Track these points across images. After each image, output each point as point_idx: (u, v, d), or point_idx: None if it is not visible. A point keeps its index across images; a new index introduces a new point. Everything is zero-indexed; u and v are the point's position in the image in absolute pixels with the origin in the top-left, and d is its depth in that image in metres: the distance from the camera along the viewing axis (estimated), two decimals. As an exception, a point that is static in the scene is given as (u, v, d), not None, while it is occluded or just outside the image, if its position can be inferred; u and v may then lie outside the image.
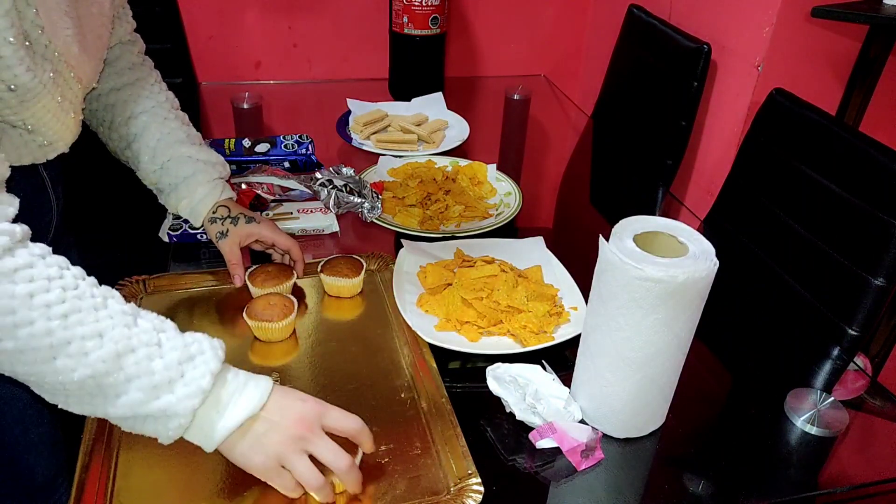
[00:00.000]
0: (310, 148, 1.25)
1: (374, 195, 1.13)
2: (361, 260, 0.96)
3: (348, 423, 0.65)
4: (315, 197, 1.13)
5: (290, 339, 0.87)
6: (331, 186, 1.12)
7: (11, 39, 0.62)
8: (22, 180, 0.78)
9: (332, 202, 1.11)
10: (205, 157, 0.95)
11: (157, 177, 0.93)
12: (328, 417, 0.64)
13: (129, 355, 0.57)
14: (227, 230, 0.93)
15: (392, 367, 0.83)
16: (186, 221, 1.04)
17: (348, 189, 1.12)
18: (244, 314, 0.85)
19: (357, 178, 1.17)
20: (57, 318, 0.54)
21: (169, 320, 0.63)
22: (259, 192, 1.12)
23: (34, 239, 0.58)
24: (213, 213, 0.94)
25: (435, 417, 0.75)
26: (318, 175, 1.14)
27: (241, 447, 0.62)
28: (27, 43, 0.64)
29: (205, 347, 0.62)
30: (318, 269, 0.94)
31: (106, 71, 0.91)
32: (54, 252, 0.59)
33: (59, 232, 0.88)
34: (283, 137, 1.26)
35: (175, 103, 0.97)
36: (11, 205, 0.58)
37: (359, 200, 1.11)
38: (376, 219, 1.11)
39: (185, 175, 0.92)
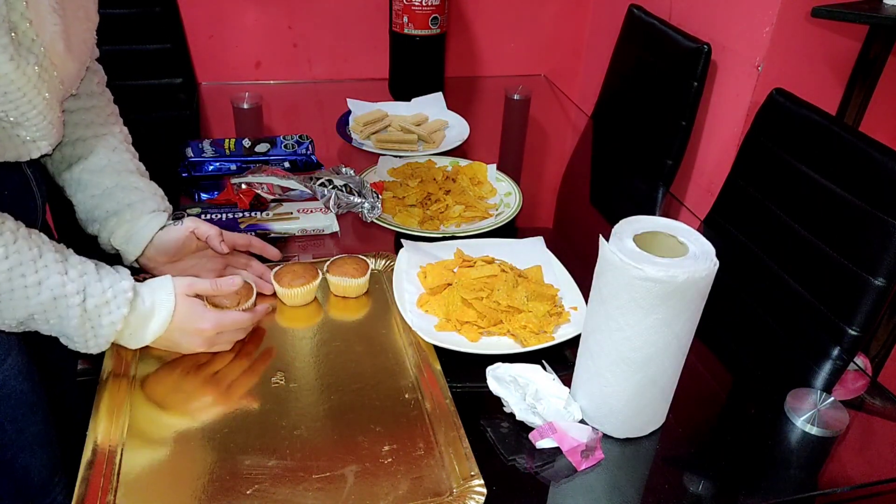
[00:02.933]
0: (310, 148, 1.25)
1: (374, 195, 1.13)
2: (367, 260, 0.96)
3: (242, 322, 0.84)
4: (315, 197, 1.13)
5: (293, 338, 0.87)
6: (331, 186, 1.12)
7: None
8: (6, 177, 0.78)
9: (332, 202, 1.11)
10: (152, 190, 0.92)
11: (96, 202, 0.89)
12: (224, 328, 0.82)
13: (62, 300, 0.69)
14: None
15: (396, 368, 0.83)
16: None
17: (348, 189, 1.12)
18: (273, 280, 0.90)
19: (357, 178, 1.17)
20: (2, 273, 0.65)
21: (89, 261, 0.73)
22: (259, 192, 1.12)
23: None
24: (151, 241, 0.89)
25: (438, 418, 0.75)
26: (318, 175, 1.14)
27: (162, 346, 0.80)
28: (13, 34, 0.65)
29: (118, 291, 0.73)
30: (324, 269, 0.94)
31: None
32: None
33: (44, 229, 0.87)
34: (283, 137, 1.26)
35: (129, 139, 0.94)
36: None
37: (359, 200, 1.11)
38: (376, 219, 1.11)
39: (129, 202, 0.88)
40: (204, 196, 1.16)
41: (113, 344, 0.77)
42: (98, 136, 0.90)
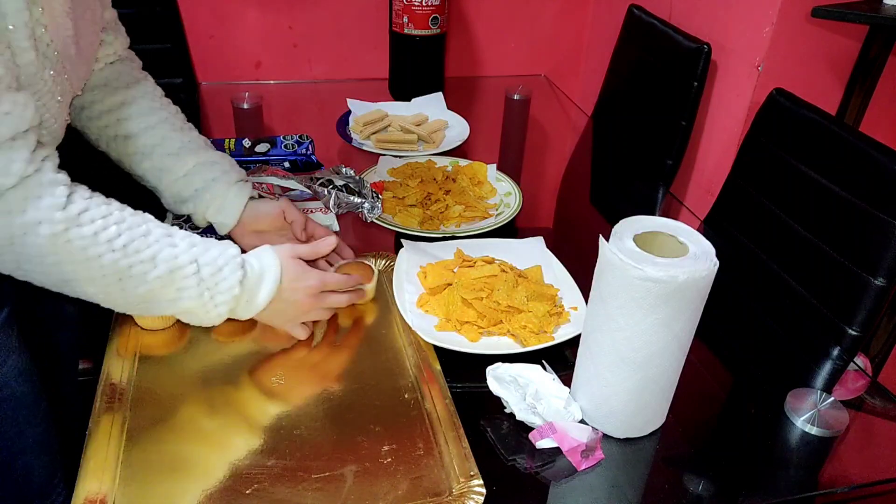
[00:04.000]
0: (310, 148, 1.25)
1: (374, 195, 1.13)
2: (374, 267, 0.96)
3: (344, 283, 0.87)
4: (315, 197, 1.13)
5: (294, 338, 0.87)
6: (331, 186, 1.12)
7: (11, 27, 0.62)
8: None
9: (332, 202, 1.11)
10: (229, 161, 0.96)
11: (183, 183, 0.92)
12: (329, 286, 0.85)
13: (177, 272, 0.70)
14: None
15: (396, 368, 0.83)
16: (187, 221, 1.04)
17: (348, 189, 1.12)
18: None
19: (357, 178, 1.17)
20: (119, 250, 0.66)
21: (193, 234, 0.75)
22: (259, 192, 1.11)
23: None
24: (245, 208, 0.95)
25: (438, 418, 0.75)
26: (318, 175, 1.14)
27: (271, 319, 0.83)
28: (33, 39, 0.65)
29: (228, 258, 0.75)
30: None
31: (112, 86, 0.91)
32: None
33: None
34: (283, 137, 1.26)
35: (182, 116, 0.97)
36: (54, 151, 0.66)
37: (359, 200, 1.11)
38: (376, 219, 1.11)
39: (213, 177, 0.92)
40: None
41: (118, 336, 0.80)
42: (162, 121, 0.92)
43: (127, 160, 0.93)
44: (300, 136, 1.27)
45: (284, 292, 0.80)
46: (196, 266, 0.72)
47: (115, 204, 0.69)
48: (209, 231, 0.96)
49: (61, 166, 0.68)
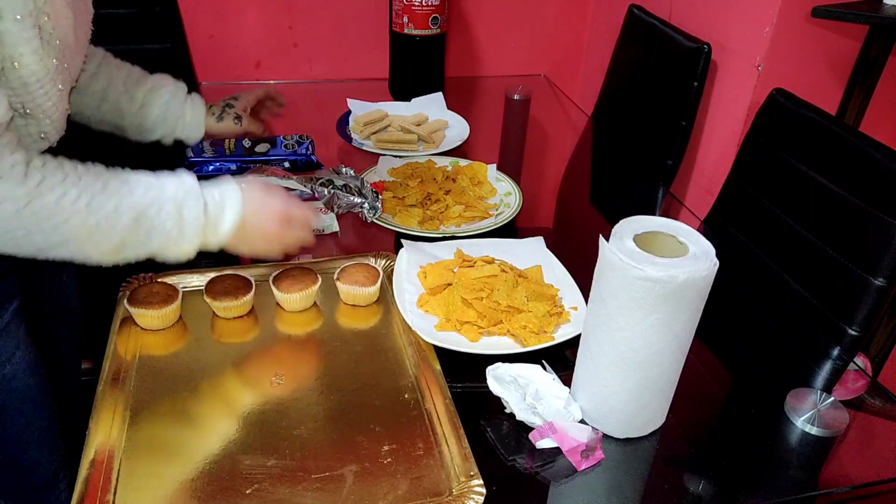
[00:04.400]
0: (310, 148, 1.25)
1: (374, 195, 1.13)
2: (378, 268, 0.96)
3: (308, 214, 0.87)
4: (315, 197, 1.13)
5: (293, 338, 0.87)
6: (331, 186, 1.12)
7: (18, 17, 0.64)
8: None
9: (332, 202, 1.11)
10: (171, 81, 1.01)
11: (142, 116, 0.97)
12: (293, 212, 0.84)
13: (142, 216, 0.71)
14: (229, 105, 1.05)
15: (396, 368, 0.83)
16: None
17: (348, 189, 1.12)
18: (272, 285, 0.91)
19: (357, 177, 1.17)
20: (83, 210, 0.68)
21: (145, 174, 0.74)
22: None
23: None
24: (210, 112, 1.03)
25: (438, 418, 0.75)
26: (318, 175, 1.14)
27: (240, 248, 0.81)
28: (37, 27, 0.66)
29: (187, 190, 0.75)
30: (335, 277, 0.93)
31: None
32: None
33: None
34: (284, 137, 1.26)
35: (109, 53, 0.99)
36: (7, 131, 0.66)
37: (359, 200, 1.11)
38: (376, 219, 1.11)
39: (164, 101, 0.98)
40: None
41: (118, 336, 0.81)
42: (104, 62, 0.96)
43: (87, 111, 0.95)
44: (300, 137, 1.27)
45: (249, 217, 0.79)
46: (158, 206, 0.72)
47: (67, 165, 0.69)
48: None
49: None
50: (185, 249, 0.76)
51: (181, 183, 0.75)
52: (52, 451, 0.89)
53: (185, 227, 0.74)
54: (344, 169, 1.18)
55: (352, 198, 1.11)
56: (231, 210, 0.78)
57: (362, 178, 1.18)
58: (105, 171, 0.72)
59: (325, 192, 1.12)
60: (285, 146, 1.24)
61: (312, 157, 1.24)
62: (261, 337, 0.88)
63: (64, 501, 0.90)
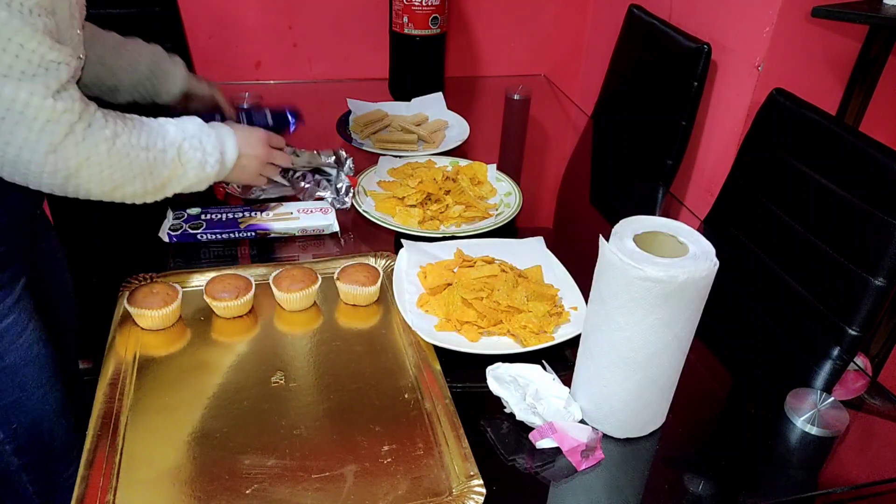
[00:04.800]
0: (293, 117, 1.19)
1: (339, 158, 1.19)
2: (378, 268, 0.96)
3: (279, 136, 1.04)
4: (294, 196, 1.16)
5: (293, 338, 0.87)
6: (299, 174, 1.16)
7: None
8: None
9: (304, 183, 1.15)
10: (147, 44, 1.08)
11: (134, 72, 1.04)
12: (271, 135, 1.01)
13: (181, 149, 0.84)
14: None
15: (396, 368, 0.83)
16: (187, 221, 1.04)
17: (319, 172, 1.17)
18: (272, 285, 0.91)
19: (317, 154, 1.20)
20: (144, 148, 0.79)
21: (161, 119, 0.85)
22: (226, 188, 1.15)
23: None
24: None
25: (438, 418, 0.75)
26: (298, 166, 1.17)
27: (241, 176, 0.98)
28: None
29: (198, 124, 0.88)
30: (335, 277, 0.94)
31: None
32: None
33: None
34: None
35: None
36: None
37: (325, 178, 1.16)
38: (372, 212, 1.11)
39: (150, 58, 1.06)
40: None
41: (118, 336, 0.84)
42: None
43: (85, 78, 1.00)
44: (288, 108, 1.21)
45: (243, 146, 0.93)
46: (189, 141, 0.85)
47: (117, 114, 0.79)
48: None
49: None
50: (203, 178, 0.88)
51: (192, 122, 0.88)
52: (67, 422, 0.92)
53: (207, 157, 0.87)
54: (300, 152, 1.20)
55: (319, 176, 1.17)
56: (229, 143, 0.91)
57: (338, 160, 1.21)
58: (139, 117, 0.83)
59: (299, 181, 1.16)
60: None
61: (288, 113, 1.19)
62: (261, 337, 0.88)
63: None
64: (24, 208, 0.84)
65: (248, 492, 0.66)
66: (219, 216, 1.07)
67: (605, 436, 0.76)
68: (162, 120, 0.85)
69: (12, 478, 0.89)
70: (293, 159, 1.13)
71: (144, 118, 0.83)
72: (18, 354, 0.83)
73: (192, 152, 0.85)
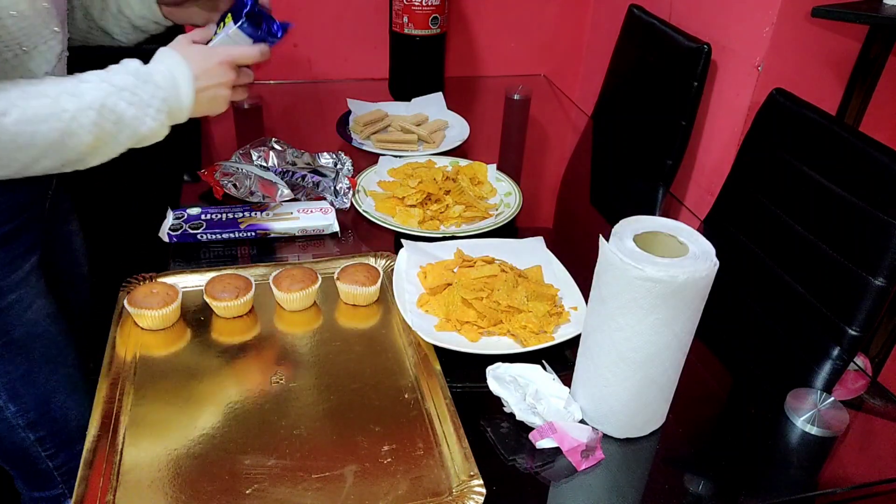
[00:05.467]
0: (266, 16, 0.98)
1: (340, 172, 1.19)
2: (378, 268, 0.96)
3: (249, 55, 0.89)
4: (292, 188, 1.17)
5: (293, 337, 0.87)
6: (299, 175, 1.16)
7: None
8: None
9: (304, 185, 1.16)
10: None
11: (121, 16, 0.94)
12: (236, 59, 0.87)
13: (105, 105, 0.73)
14: None
15: (396, 368, 0.83)
16: (187, 221, 1.04)
17: (317, 172, 1.17)
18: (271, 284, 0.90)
19: (334, 166, 1.21)
20: (47, 118, 0.70)
21: (88, 72, 0.76)
22: (225, 189, 1.15)
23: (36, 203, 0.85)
24: None
25: (438, 418, 0.75)
26: (297, 167, 1.18)
27: (205, 110, 0.86)
28: None
29: (133, 69, 0.78)
30: (335, 277, 0.94)
31: None
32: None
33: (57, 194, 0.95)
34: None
35: None
36: None
37: (324, 181, 1.15)
38: (372, 213, 1.11)
39: None
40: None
41: (118, 336, 0.83)
42: None
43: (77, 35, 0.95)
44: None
45: (201, 76, 0.83)
46: (115, 97, 0.74)
47: (13, 82, 0.71)
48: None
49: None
50: (154, 128, 0.79)
51: (125, 69, 0.77)
52: (80, 397, 0.92)
53: (146, 108, 0.77)
54: (325, 157, 1.20)
55: (319, 178, 1.16)
56: (183, 77, 0.80)
57: (338, 171, 1.21)
58: (50, 78, 0.74)
59: (300, 180, 1.17)
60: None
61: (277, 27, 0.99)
62: (261, 337, 0.88)
63: None
64: (29, 189, 0.84)
65: (248, 492, 0.66)
66: (219, 216, 1.07)
67: (605, 436, 0.76)
68: (83, 76, 0.75)
69: (30, 452, 0.91)
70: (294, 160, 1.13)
71: (58, 77, 0.75)
72: (25, 329, 0.84)
73: (119, 108, 0.74)
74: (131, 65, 0.78)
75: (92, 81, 0.74)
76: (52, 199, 0.92)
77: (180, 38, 0.87)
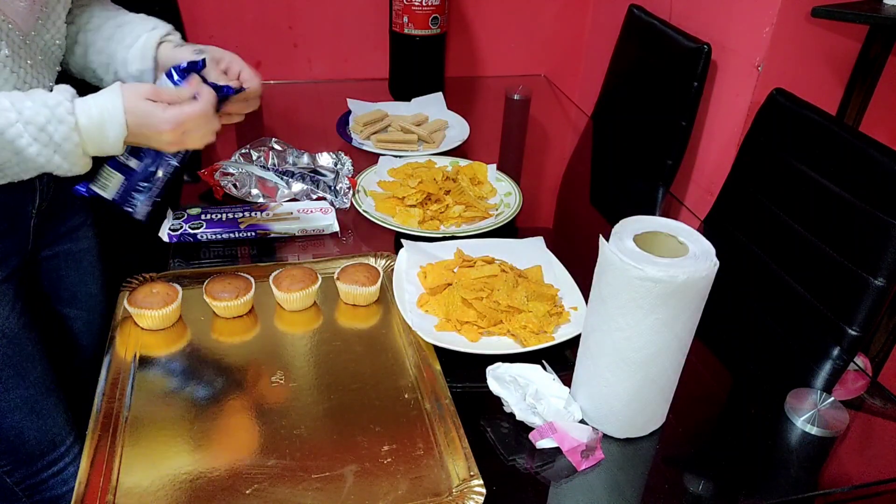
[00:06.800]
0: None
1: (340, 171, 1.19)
2: (378, 268, 0.96)
3: (204, 113, 0.79)
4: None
5: (293, 338, 0.87)
6: (298, 176, 1.16)
7: None
8: None
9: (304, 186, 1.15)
10: (144, 17, 0.93)
11: (102, 48, 0.90)
12: (187, 124, 0.77)
13: (3, 136, 0.68)
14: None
15: (396, 368, 0.83)
16: (187, 221, 1.04)
17: (317, 173, 1.17)
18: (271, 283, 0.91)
19: (334, 167, 1.21)
20: None
21: (11, 94, 0.70)
22: (225, 188, 1.15)
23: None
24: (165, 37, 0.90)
25: (438, 418, 0.75)
26: (296, 168, 1.18)
27: (146, 144, 0.79)
28: None
29: (51, 108, 0.70)
30: (335, 277, 0.94)
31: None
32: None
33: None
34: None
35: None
36: None
37: (319, 179, 1.16)
38: (372, 212, 1.11)
39: (130, 32, 0.89)
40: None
41: (118, 336, 0.82)
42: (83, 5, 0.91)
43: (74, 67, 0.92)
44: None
45: (137, 129, 0.75)
46: (16, 131, 0.68)
47: None
48: None
49: None
50: (67, 168, 0.73)
51: (44, 103, 0.70)
52: (38, 421, 0.90)
53: (57, 148, 0.71)
54: (324, 157, 1.21)
55: (318, 177, 1.16)
56: (113, 125, 0.73)
57: (337, 171, 1.20)
58: None
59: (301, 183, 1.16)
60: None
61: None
62: (261, 337, 0.88)
63: (69, 473, 0.93)
64: (8, 199, 0.82)
65: (248, 492, 0.66)
66: (219, 216, 1.07)
67: (605, 436, 0.76)
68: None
69: None
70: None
71: None
72: None
73: (20, 143, 0.69)
74: (56, 97, 0.71)
75: (1, 104, 0.69)
76: (42, 214, 0.90)
77: (134, 86, 0.78)
